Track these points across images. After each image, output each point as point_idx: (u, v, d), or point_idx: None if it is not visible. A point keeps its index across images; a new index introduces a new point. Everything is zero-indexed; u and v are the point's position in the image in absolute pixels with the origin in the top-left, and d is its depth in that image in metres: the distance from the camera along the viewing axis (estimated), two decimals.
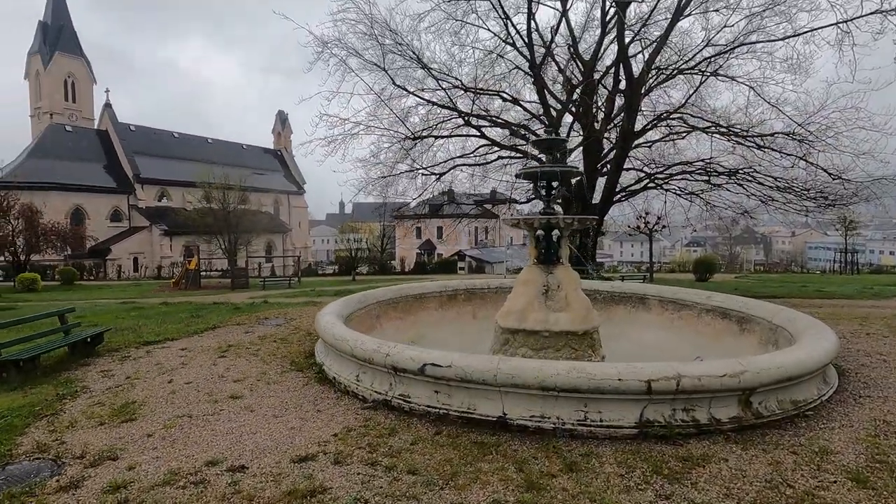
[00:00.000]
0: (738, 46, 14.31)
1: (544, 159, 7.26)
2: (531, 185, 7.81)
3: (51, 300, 19.70)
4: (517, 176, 8.00)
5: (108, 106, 49.14)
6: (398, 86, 17.98)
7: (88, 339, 6.64)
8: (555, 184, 6.99)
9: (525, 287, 6.80)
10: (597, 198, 19.74)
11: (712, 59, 15.11)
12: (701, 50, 15.16)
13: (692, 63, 15.32)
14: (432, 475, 3.24)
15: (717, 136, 15.88)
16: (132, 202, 46.71)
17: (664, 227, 26.56)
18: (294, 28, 15.84)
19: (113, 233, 44.81)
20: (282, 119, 68.41)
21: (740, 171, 16.27)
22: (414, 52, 17.69)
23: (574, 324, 6.40)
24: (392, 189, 18.62)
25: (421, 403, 4.36)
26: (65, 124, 47.02)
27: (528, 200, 20.08)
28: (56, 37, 49.09)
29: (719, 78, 15.19)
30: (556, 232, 7.03)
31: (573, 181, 19.06)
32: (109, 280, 35.97)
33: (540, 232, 7.01)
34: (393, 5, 20.23)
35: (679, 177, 18.51)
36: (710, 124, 15.97)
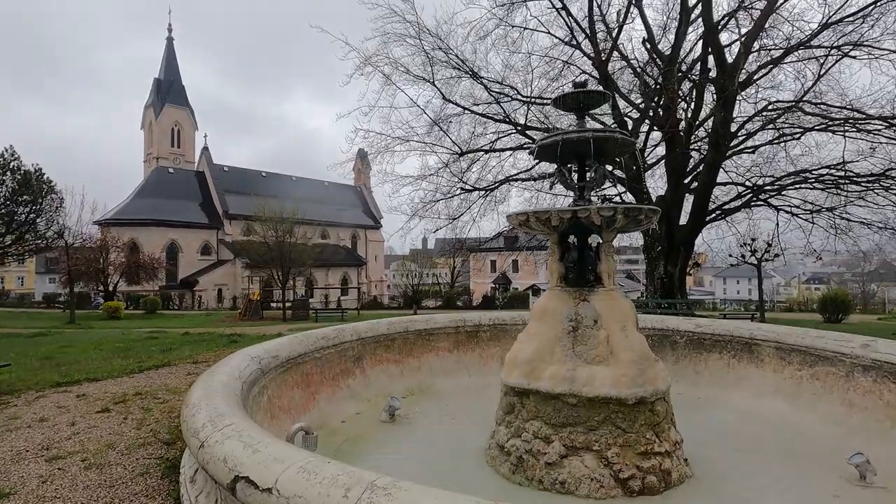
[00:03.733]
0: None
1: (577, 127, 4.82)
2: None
3: (114, 327, 20.06)
4: (531, 153, 5.42)
5: (205, 149, 53.54)
6: (448, 100, 16.35)
7: None
8: (589, 164, 4.54)
9: (541, 322, 4.33)
10: (685, 220, 16.34)
11: (850, 30, 11.48)
12: (831, 16, 11.52)
13: (813, 38, 11.81)
14: None
15: (853, 131, 12.04)
16: (220, 237, 49.64)
17: (777, 255, 21.67)
18: (331, 41, 15.05)
19: (202, 265, 47.65)
20: (361, 157, 70.59)
21: (886, 175, 12.24)
22: (464, 62, 16.03)
23: (620, 385, 3.79)
24: (445, 210, 16.70)
25: None
26: (168, 167, 51.80)
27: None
28: (167, 91, 55.03)
29: (856, 53, 11.45)
30: (593, 238, 4.54)
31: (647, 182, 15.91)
32: (188, 310, 37.61)
33: (572, 238, 4.56)
34: (441, 16, 18.95)
35: (793, 188, 14.63)
36: (840, 118, 12.19)
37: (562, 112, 16.88)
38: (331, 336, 5.93)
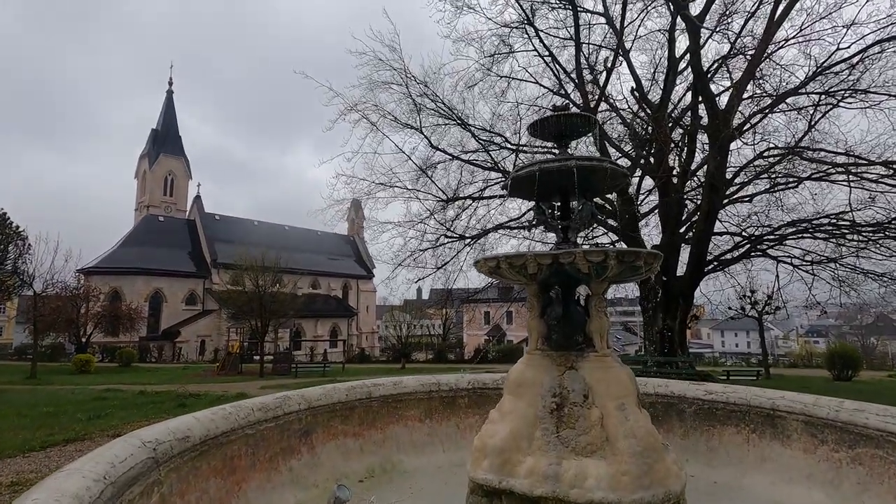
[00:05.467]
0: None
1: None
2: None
3: (74, 383, 18.62)
4: (504, 188, 4.60)
5: (197, 198, 53.34)
6: (435, 147, 15.98)
7: None
8: (574, 203, 3.80)
9: (517, 397, 3.43)
10: (681, 271, 15.64)
11: (839, 81, 11.29)
12: (821, 64, 11.40)
13: (804, 86, 11.59)
14: None
15: (856, 180, 11.57)
16: (207, 286, 48.43)
17: (778, 308, 20.83)
18: (316, 87, 14.84)
19: (186, 315, 46.12)
20: (355, 207, 70.77)
21: (891, 224, 11.65)
22: (452, 110, 15.80)
23: (620, 486, 2.85)
24: (432, 260, 15.90)
25: None
26: (158, 215, 51.37)
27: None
28: (163, 141, 55.60)
29: (850, 100, 11.17)
30: (581, 290, 3.73)
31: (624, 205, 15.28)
32: (167, 362, 35.92)
33: (555, 290, 3.74)
34: (429, 65, 19.05)
35: (793, 237, 14.03)
36: (841, 164, 11.77)
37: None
38: (271, 406, 4.90)
